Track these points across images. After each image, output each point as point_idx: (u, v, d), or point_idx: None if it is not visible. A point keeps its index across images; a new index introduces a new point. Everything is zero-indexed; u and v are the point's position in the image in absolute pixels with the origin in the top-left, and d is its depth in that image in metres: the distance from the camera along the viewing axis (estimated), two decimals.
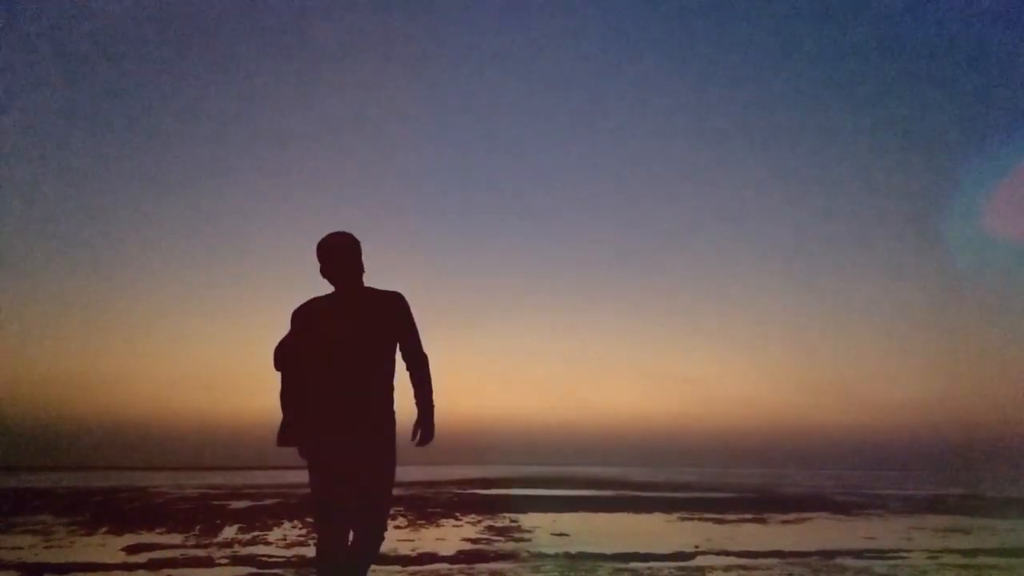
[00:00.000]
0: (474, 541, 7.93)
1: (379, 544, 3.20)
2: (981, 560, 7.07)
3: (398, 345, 3.28)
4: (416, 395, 3.28)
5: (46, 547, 7.32)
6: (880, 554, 7.41)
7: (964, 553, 7.59)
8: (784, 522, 11.13)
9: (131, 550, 7.07)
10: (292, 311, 3.30)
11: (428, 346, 3.32)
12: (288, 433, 3.27)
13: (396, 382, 3.28)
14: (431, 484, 21.82)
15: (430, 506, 12.89)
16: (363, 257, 3.35)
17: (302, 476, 3.19)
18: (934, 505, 16.16)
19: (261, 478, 26.29)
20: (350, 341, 3.19)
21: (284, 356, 3.35)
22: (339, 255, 3.28)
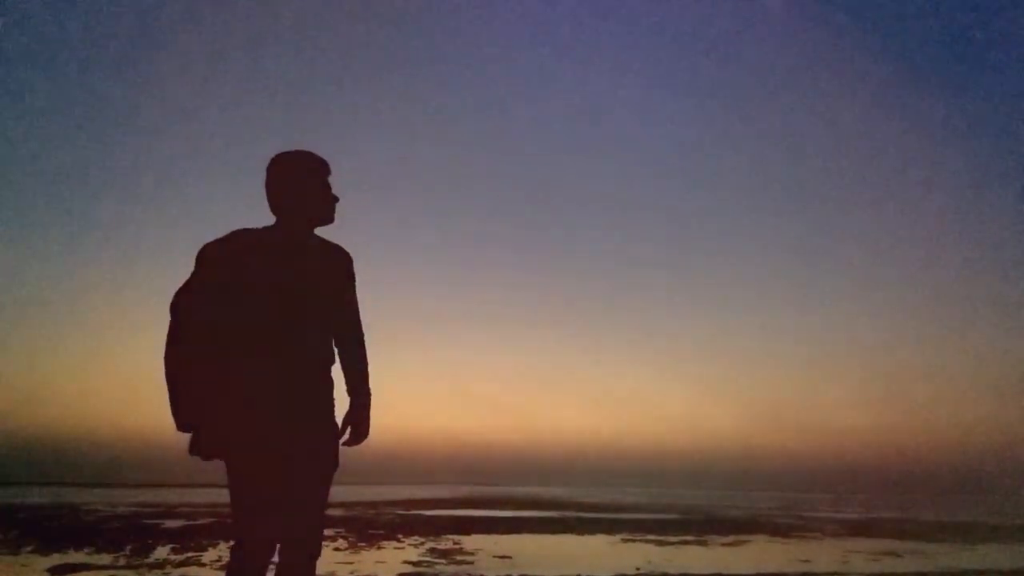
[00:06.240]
0: (415, 564, 7.83)
1: (313, 569, 2.49)
2: None
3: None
4: (350, 378, 2.61)
5: None
6: None
7: None
8: (724, 544, 11.26)
9: (56, 571, 6.78)
10: (202, 246, 2.43)
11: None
12: (197, 432, 2.36)
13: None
14: (373, 505, 21.49)
15: (372, 528, 12.68)
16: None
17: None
18: (869, 528, 16.54)
19: (196, 496, 25.56)
20: (299, 293, 2.44)
21: (186, 307, 2.38)
22: (313, 177, 2.51)
